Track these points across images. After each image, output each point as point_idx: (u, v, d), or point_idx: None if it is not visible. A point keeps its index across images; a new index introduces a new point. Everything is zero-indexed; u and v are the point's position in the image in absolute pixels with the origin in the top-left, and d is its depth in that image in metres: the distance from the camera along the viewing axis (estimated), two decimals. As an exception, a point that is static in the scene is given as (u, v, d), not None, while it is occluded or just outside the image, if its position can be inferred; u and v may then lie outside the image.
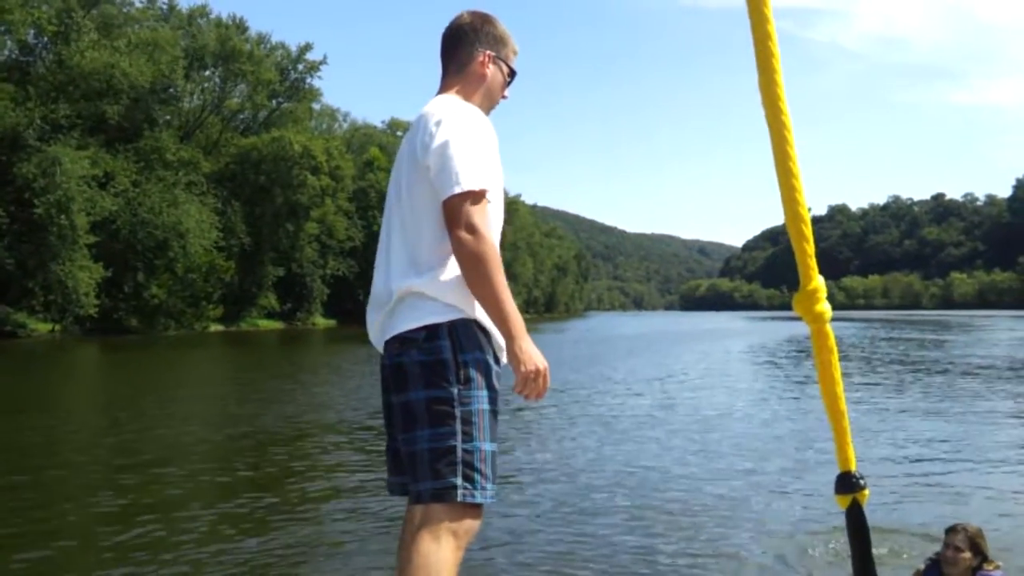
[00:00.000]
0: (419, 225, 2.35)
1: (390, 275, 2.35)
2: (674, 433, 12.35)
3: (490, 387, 2.32)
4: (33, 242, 40.32)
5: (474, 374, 2.28)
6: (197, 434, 11.76)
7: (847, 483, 0.86)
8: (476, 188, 2.27)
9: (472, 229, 2.23)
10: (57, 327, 42.30)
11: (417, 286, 2.29)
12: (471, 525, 2.25)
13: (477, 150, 2.32)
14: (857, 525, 0.78)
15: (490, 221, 2.32)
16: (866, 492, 0.84)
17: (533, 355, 2.22)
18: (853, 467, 0.93)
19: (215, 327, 52.61)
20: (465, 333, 2.29)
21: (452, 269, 2.30)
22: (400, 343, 2.31)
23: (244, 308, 57.76)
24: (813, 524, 7.17)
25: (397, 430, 2.32)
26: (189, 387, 19.69)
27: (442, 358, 2.26)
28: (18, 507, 7.30)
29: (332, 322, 62.74)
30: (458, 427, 2.22)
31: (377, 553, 6.05)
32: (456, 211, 2.25)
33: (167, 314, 48.14)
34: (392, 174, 2.51)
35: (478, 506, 2.24)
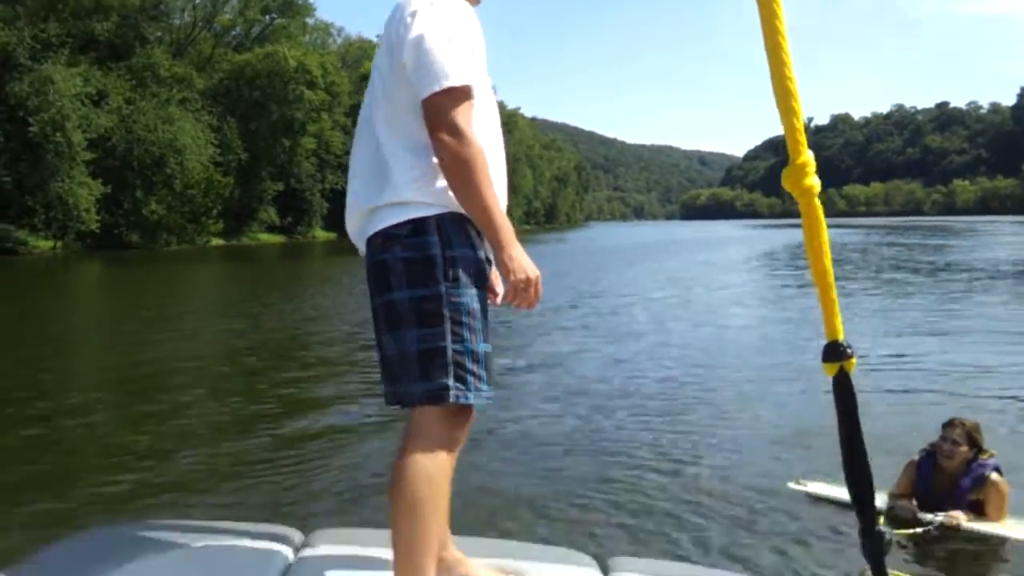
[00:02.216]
0: (399, 126, 2.14)
1: (368, 182, 2.17)
2: (676, 340, 12.49)
3: (480, 286, 2.16)
4: (30, 160, 40.07)
5: (463, 272, 2.10)
6: (201, 347, 11.90)
7: (835, 351, 0.89)
8: (458, 84, 2.06)
9: (455, 130, 2.03)
10: (59, 244, 42.31)
11: (394, 194, 2.11)
12: (464, 428, 2.15)
13: (458, 42, 2.09)
14: (844, 393, 0.81)
15: (476, 120, 2.11)
16: (853, 361, 0.87)
17: (523, 263, 2.08)
18: (840, 336, 0.95)
19: (216, 241, 52.66)
20: (454, 228, 2.11)
21: (436, 173, 2.11)
22: (383, 239, 2.12)
23: (244, 223, 57.71)
24: (809, 419, 7.33)
25: (382, 333, 2.14)
26: (192, 302, 19.83)
27: (429, 254, 2.08)
28: (23, 419, 7.41)
29: (332, 235, 62.77)
30: (447, 327, 2.07)
31: (376, 456, 6.21)
32: (437, 111, 2.05)
33: (168, 229, 48.10)
34: (372, 72, 2.29)
35: (470, 408, 2.14)
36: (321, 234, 64.85)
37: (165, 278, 26.88)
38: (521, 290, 2.09)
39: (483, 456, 6.10)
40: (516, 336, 12.36)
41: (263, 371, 9.83)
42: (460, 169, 2.03)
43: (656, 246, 36.45)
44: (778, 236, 58.01)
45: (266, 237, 60.06)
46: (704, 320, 14.30)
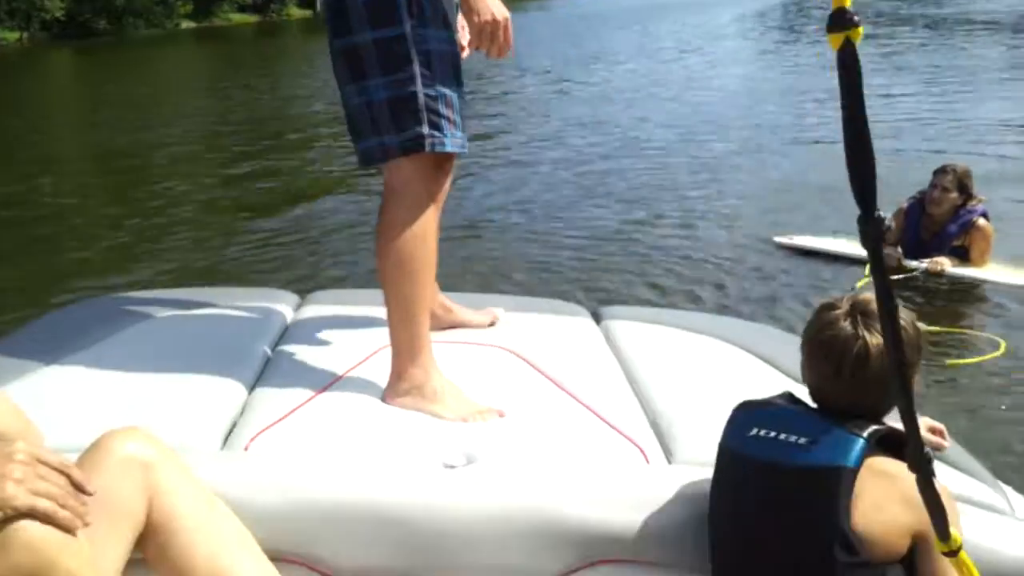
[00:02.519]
0: None
1: None
2: (659, 107, 12.27)
3: (449, 25, 1.97)
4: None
5: (429, 8, 1.92)
6: (180, 131, 11.66)
7: (840, 19, 0.78)
8: None
9: None
10: (24, 35, 40.64)
11: None
12: (445, 177, 2.03)
13: None
14: (850, 68, 0.75)
15: None
16: (860, 30, 0.79)
17: (491, 3, 1.89)
18: (848, 3, 0.84)
19: (186, 24, 50.54)
20: None
21: None
22: None
23: (215, 2, 55.12)
24: (793, 174, 7.35)
25: (344, 83, 1.97)
26: (166, 88, 19.26)
27: None
28: (17, 218, 7.34)
29: (307, 12, 60.24)
30: (416, 70, 1.90)
31: (368, 219, 6.26)
32: None
33: (135, 13, 46.01)
34: None
35: (449, 156, 2.00)
36: (296, 12, 62.05)
37: (137, 64, 26.00)
38: (487, 33, 1.90)
39: (468, 218, 6.15)
40: (492, 99, 12.14)
41: (245, 150, 9.71)
42: None
43: (643, 10, 35.11)
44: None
45: (238, 18, 57.48)
46: (688, 84, 14.01)
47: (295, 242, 5.93)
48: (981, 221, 5.08)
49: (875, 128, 0.84)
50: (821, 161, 7.47)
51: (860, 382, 1.38)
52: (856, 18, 0.88)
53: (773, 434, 1.41)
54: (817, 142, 8.26)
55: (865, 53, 0.93)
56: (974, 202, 5.14)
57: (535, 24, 31.01)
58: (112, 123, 12.31)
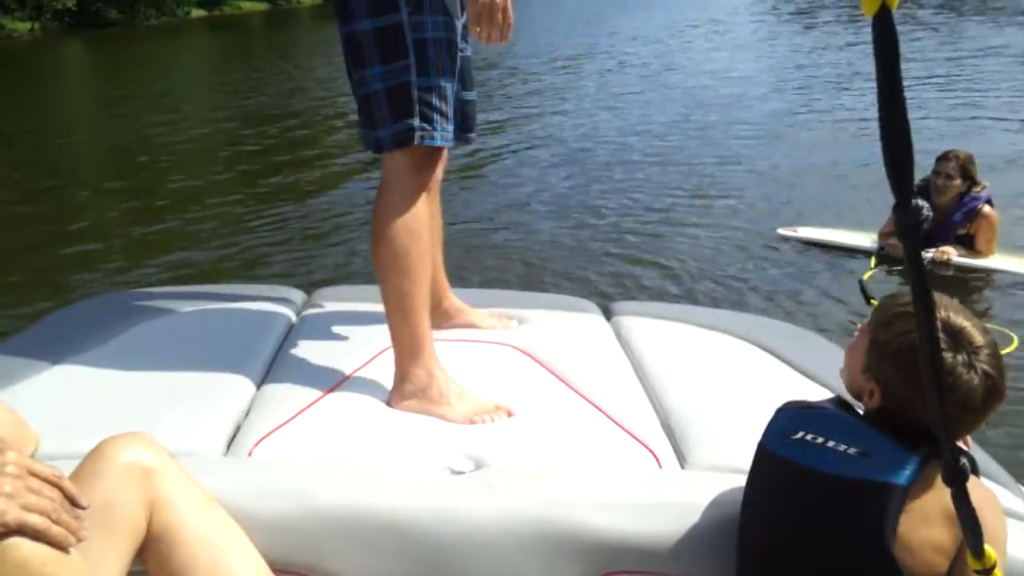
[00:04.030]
0: None
1: None
2: (664, 93, 12.21)
3: (448, 11, 1.94)
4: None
5: None
6: (190, 127, 11.64)
7: None
8: None
9: None
10: (36, 25, 40.65)
11: None
12: (433, 169, 2.02)
13: None
14: (885, 36, 0.66)
15: None
16: None
17: None
18: None
19: (197, 12, 50.41)
20: None
21: None
22: None
23: (225, -10, 55.09)
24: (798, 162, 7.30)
25: (350, 71, 1.98)
26: (178, 80, 19.25)
27: None
28: (35, 214, 7.37)
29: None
30: (412, 60, 1.89)
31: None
32: None
33: (146, 2, 46.03)
34: None
35: (439, 149, 1.99)
36: (306, -1, 62.15)
37: (149, 55, 26.01)
38: (486, 16, 1.86)
39: (478, 213, 6.16)
40: (503, 88, 12.11)
41: (255, 144, 9.72)
42: None
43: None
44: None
45: (248, 5, 57.40)
46: (695, 69, 13.93)
47: (305, 237, 5.96)
48: (986, 208, 5.06)
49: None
50: (836, 150, 7.44)
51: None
52: None
53: (821, 440, 1.34)
54: (814, 129, 8.26)
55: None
56: (978, 188, 5.11)
57: (535, 6, 30.87)
58: (124, 117, 12.34)
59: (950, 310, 1.30)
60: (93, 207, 7.29)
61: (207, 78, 18.67)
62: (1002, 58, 13.03)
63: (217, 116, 12.03)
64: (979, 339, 1.28)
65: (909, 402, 1.29)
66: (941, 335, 1.26)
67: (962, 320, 1.30)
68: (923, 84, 10.58)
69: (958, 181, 5.07)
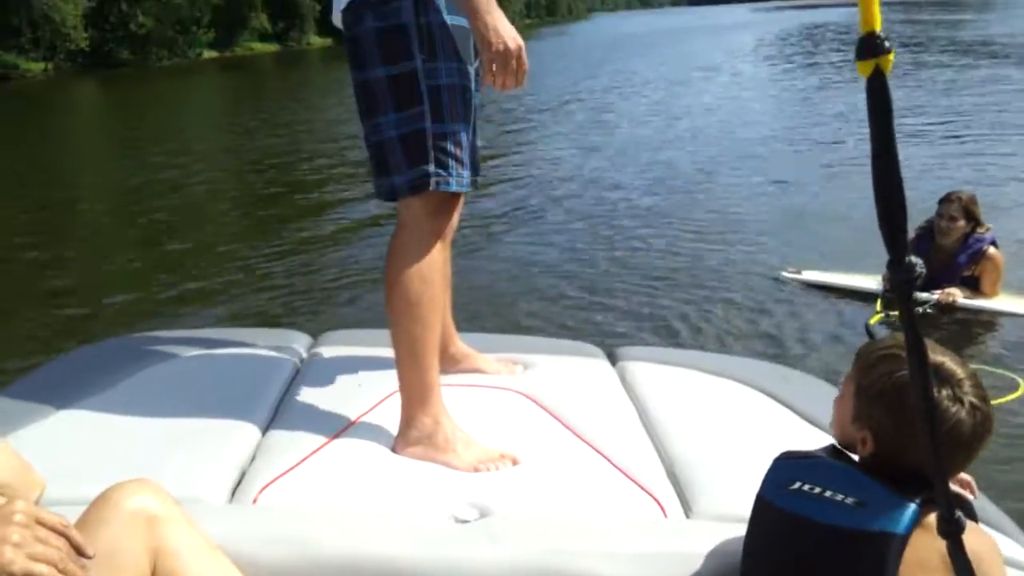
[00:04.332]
0: None
1: None
2: (665, 134, 12.28)
3: (461, 58, 1.93)
4: (9, -25, 38.30)
5: (441, 40, 1.89)
6: (203, 165, 11.75)
7: (870, 45, 0.72)
8: None
9: None
10: (49, 65, 41.17)
11: None
12: (449, 215, 2.02)
13: None
14: (879, 97, 0.68)
15: None
16: (891, 57, 0.72)
17: (503, 31, 1.83)
18: (878, 27, 0.77)
19: (208, 54, 51.11)
20: None
21: None
22: (354, 10, 1.92)
23: (236, 31, 55.77)
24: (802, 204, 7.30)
25: (363, 119, 1.97)
26: (189, 122, 19.46)
27: (400, 22, 1.87)
28: (42, 256, 7.37)
29: (328, 40, 60.84)
30: (426, 107, 1.88)
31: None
32: None
33: (158, 43, 46.60)
34: None
35: (456, 195, 1.99)
36: (316, 40, 62.74)
37: (161, 96, 26.32)
38: (500, 64, 1.84)
39: (484, 257, 6.18)
40: (509, 131, 12.20)
41: (264, 188, 9.79)
42: None
43: (662, 35, 35.23)
44: (788, 20, 55.85)
45: (259, 47, 58.21)
46: (699, 109, 14.04)
47: (310, 282, 5.97)
48: (992, 250, 5.05)
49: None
50: (840, 190, 7.46)
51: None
52: (887, 44, 0.80)
53: (818, 490, 1.33)
54: (834, 167, 8.30)
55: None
56: (982, 229, 5.10)
57: (546, 49, 31.19)
58: (134, 158, 12.43)
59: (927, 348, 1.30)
60: (100, 250, 7.33)
61: (218, 119, 18.86)
62: (1003, 96, 13.11)
63: (227, 158, 12.14)
64: (960, 372, 1.29)
65: (902, 447, 1.29)
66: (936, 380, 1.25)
67: (939, 356, 1.30)
68: (928, 125, 10.63)
69: (962, 222, 5.06)
